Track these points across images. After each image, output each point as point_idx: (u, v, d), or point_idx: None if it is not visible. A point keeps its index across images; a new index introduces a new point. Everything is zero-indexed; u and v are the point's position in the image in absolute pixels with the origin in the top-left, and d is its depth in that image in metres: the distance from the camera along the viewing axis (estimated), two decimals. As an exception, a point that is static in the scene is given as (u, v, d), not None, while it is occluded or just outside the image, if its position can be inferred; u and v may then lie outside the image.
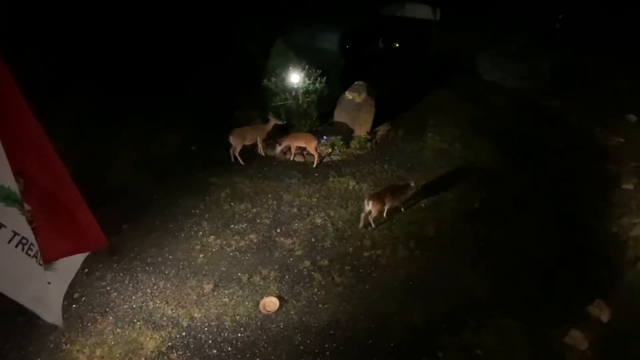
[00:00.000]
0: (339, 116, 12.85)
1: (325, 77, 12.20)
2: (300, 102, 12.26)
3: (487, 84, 15.62)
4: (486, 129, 13.02)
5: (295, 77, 12.18)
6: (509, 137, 12.70)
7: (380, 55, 14.75)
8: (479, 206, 10.45)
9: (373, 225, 9.87)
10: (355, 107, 12.57)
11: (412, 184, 10.33)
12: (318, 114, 12.71)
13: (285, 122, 12.16)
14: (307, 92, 12.34)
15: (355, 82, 12.80)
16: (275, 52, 12.94)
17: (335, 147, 12.32)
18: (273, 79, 12.24)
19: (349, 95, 12.71)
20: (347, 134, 12.66)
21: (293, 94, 12.36)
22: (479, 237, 9.77)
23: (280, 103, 12.42)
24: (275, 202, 10.69)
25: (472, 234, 9.83)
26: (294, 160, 12.05)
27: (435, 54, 15.52)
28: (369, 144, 12.53)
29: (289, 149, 11.95)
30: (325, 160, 12.02)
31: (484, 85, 15.50)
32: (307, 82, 12.17)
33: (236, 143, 11.87)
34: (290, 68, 12.23)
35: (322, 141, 12.33)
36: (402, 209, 10.29)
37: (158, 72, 14.57)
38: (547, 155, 12.37)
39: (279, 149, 11.76)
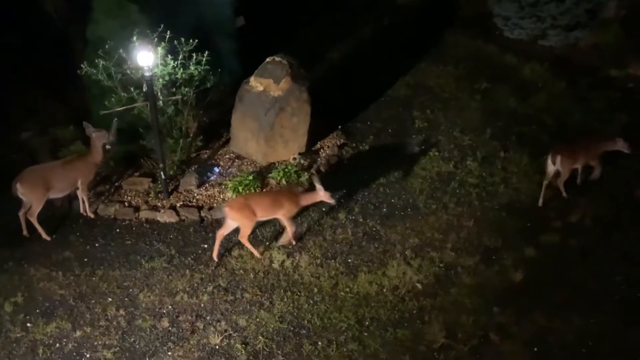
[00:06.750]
0: (241, 127, 10.14)
1: (208, 52, 9.46)
2: (162, 104, 9.43)
3: (510, 45, 12.68)
4: (525, 127, 10.56)
5: (145, 57, 8.87)
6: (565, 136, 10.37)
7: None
8: (522, 277, 8.01)
9: (565, 194, 8.92)
10: (270, 106, 9.97)
11: (622, 142, 8.89)
12: (197, 124, 10.05)
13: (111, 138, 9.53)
14: (171, 83, 9.50)
15: (268, 59, 10.13)
16: (101, 8, 10.03)
17: (239, 191, 9.46)
18: (100, 62, 9.17)
19: (255, 83, 10.06)
20: (259, 160, 10.15)
21: (144, 89, 9.08)
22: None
23: (117, 108, 9.27)
24: (122, 311, 8.05)
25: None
26: (156, 222, 9.15)
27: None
28: (304, 177, 9.81)
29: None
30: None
31: (504, 48, 12.64)
32: (171, 63, 9.32)
33: (33, 197, 8.83)
34: (135, 38, 9.03)
35: (212, 177, 9.71)
36: (578, 181, 9.19)
37: None
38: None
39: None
